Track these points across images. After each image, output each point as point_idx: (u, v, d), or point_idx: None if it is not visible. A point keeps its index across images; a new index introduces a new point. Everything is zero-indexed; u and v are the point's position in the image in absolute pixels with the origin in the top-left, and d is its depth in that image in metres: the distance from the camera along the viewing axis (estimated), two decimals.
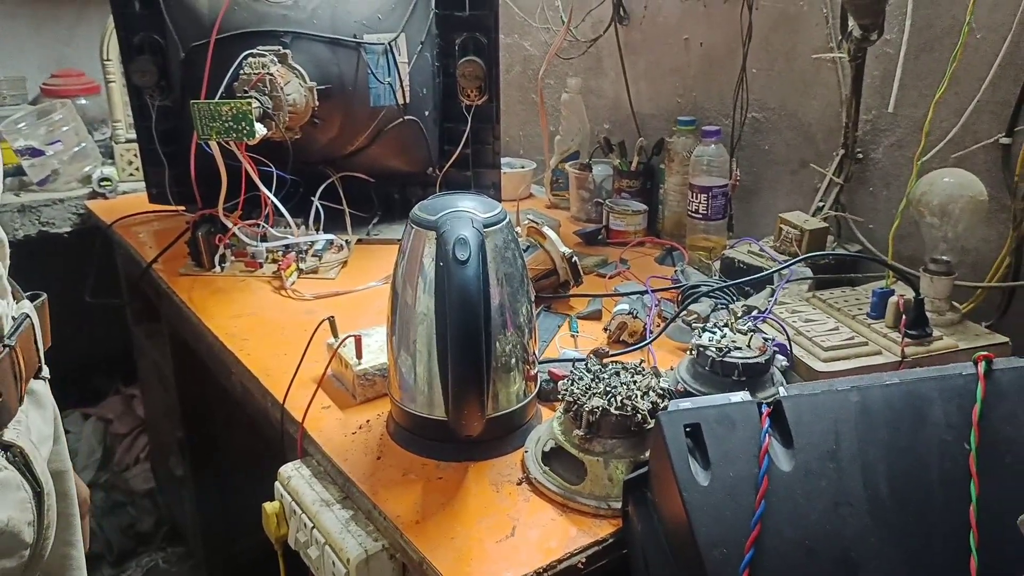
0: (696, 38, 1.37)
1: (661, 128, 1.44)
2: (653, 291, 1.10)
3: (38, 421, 0.63)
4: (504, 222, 0.77)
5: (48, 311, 0.69)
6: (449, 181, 1.40)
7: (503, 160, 1.53)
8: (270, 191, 1.22)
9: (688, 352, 0.83)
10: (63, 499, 0.67)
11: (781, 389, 0.57)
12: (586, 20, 1.52)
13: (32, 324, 0.63)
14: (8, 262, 0.60)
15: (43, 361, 0.65)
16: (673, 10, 1.39)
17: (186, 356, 1.32)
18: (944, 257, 0.92)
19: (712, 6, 1.32)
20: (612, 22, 1.46)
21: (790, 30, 1.22)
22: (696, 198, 1.25)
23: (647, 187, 1.39)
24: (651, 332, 0.99)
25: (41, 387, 0.66)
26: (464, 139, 1.38)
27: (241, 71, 1.12)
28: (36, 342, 0.64)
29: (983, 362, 0.57)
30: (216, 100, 1.09)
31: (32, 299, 0.66)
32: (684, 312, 1.01)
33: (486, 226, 0.75)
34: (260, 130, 1.09)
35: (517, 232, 1.10)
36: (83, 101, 1.76)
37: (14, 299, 0.63)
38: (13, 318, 0.61)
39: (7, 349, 0.57)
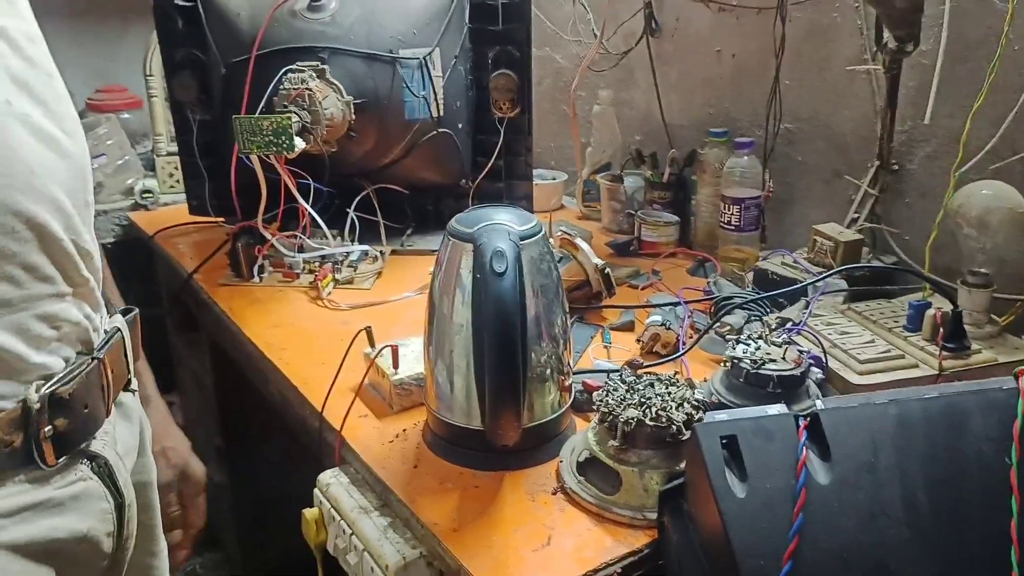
0: (728, 49, 1.37)
1: (693, 139, 1.44)
2: (686, 302, 1.10)
3: (125, 433, 0.65)
4: (539, 235, 0.78)
5: (139, 325, 0.71)
6: (482, 193, 1.42)
7: (535, 171, 1.54)
8: (307, 203, 1.25)
9: (722, 364, 0.83)
10: (145, 510, 0.69)
11: (818, 402, 0.57)
12: (617, 32, 1.53)
13: (123, 338, 0.65)
14: (101, 276, 0.62)
15: (132, 374, 0.67)
16: (705, 22, 1.40)
17: (225, 365, 1.35)
18: (982, 269, 0.92)
19: (744, 17, 1.33)
20: (644, 34, 1.47)
21: (823, 41, 1.22)
22: (729, 209, 1.25)
23: (679, 198, 1.39)
24: (684, 344, 1.00)
25: (129, 399, 0.68)
26: (497, 151, 1.39)
27: (281, 86, 1.15)
28: (126, 355, 0.66)
29: None
30: (257, 115, 1.12)
31: (124, 313, 0.68)
32: (717, 324, 1.01)
33: (522, 238, 0.76)
34: (299, 144, 1.11)
35: (550, 243, 1.11)
36: (126, 115, 1.81)
37: (107, 313, 0.65)
38: (105, 331, 0.63)
39: (96, 362, 0.59)
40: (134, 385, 0.68)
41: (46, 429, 0.53)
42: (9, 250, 0.50)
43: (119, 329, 0.64)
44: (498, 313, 0.71)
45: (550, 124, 1.78)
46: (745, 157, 1.24)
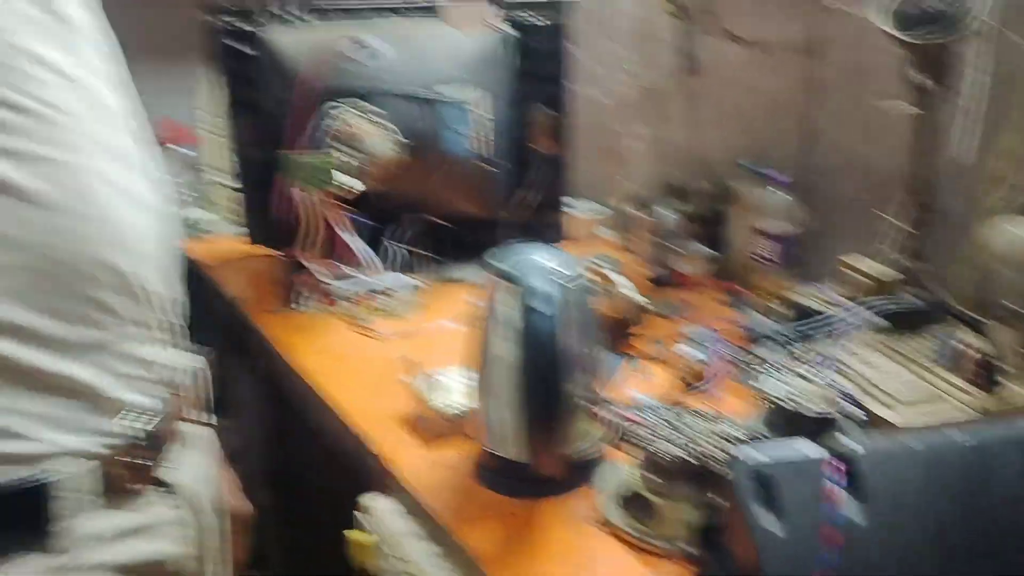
0: (763, 85, 1.40)
1: (726, 172, 1.46)
2: (718, 334, 1.12)
3: (203, 464, 0.70)
4: (578, 274, 0.82)
5: (214, 362, 0.76)
6: (519, 224, 1.46)
7: (571, 202, 1.58)
8: (349, 234, 1.29)
9: (757, 399, 0.85)
10: (222, 537, 0.73)
11: (853, 442, 0.59)
12: (652, 66, 1.57)
13: (201, 374, 0.70)
14: (185, 313, 0.67)
15: (210, 409, 0.72)
16: (739, 57, 1.43)
17: (272, 391, 1.39)
18: (1016, 306, 0.92)
19: (778, 54, 1.35)
20: (680, 70, 1.50)
21: (857, 77, 1.24)
22: (761, 242, 1.27)
23: (713, 231, 1.41)
24: (717, 376, 1.01)
25: (208, 433, 0.73)
26: (535, 184, 1.43)
27: (327, 125, 1.20)
28: (204, 391, 0.71)
29: None
30: (304, 153, 1.17)
31: (201, 351, 0.73)
32: (750, 357, 1.03)
33: (561, 278, 0.79)
34: (342, 180, 1.16)
35: (585, 279, 1.14)
36: (183, 149, 1.88)
37: (184, 350, 0.70)
38: (184, 369, 0.68)
39: (177, 397, 0.64)
40: (212, 419, 0.73)
41: (136, 461, 0.57)
42: (101, 297, 0.54)
43: (197, 368, 0.68)
44: (539, 350, 0.75)
45: (586, 156, 1.81)
46: (778, 191, 1.26)
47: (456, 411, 0.92)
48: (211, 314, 1.67)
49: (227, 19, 1.39)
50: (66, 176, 0.51)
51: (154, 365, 0.61)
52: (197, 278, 1.59)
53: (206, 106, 1.81)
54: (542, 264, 0.80)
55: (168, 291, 0.61)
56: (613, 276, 1.15)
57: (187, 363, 0.69)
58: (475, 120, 1.35)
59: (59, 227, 0.51)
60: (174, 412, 0.63)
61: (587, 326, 0.82)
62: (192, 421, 0.67)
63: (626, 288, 1.14)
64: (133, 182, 0.59)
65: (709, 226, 1.42)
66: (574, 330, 0.80)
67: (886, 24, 1.01)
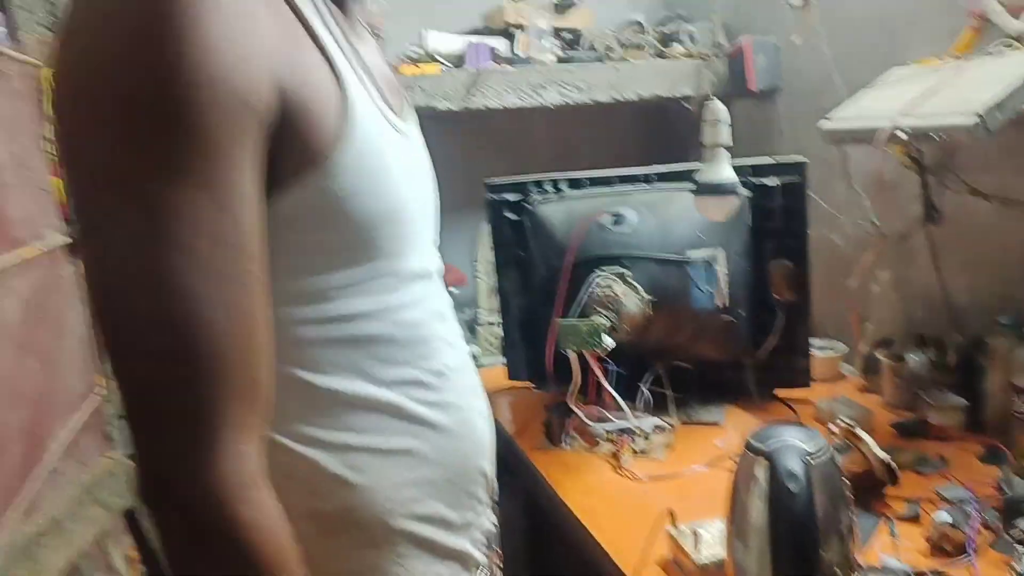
0: (1015, 238, 1.40)
1: (978, 322, 1.46)
2: (977, 497, 1.13)
3: None
4: (826, 453, 0.92)
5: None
6: (764, 367, 1.57)
7: (815, 342, 1.65)
8: (608, 381, 1.48)
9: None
10: None
11: None
12: (893, 213, 1.62)
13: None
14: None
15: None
16: (984, 208, 1.45)
17: (540, 521, 1.58)
18: None
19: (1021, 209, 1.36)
20: (923, 221, 1.55)
21: None
22: (1022, 400, 1.26)
23: (967, 381, 1.41)
24: (974, 543, 1.03)
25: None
26: (777, 331, 1.54)
27: (593, 293, 1.41)
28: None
29: None
30: (576, 319, 1.38)
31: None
32: (1010, 526, 1.04)
33: (810, 454, 0.90)
34: (608, 343, 1.35)
35: (832, 430, 1.22)
36: (454, 290, 2.23)
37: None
38: (494, 524, 0.87)
39: (494, 553, 0.84)
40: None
41: None
42: (476, 491, 0.77)
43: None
44: (791, 523, 0.86)
45: (828, 296, 1.87)
46: None
47: (718, 567, 1.04)
48: None
49: (502, 190, 1.69)
50: (458, 413, 0.75)
51: (492, 531, 0.82)
52: None
53: (482, 256, 2.14)
54: (792, 442, 0.92)
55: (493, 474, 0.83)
56: (861, 434, 1.21)
57: (493, 517, 0.89)
58: (718, 276, 1.50)
59: (458, 449, 0.74)
60: (493, 563, 0.83)
61: (836, 496, 0.91)
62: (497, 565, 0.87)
63: (875, 446, 1.20)
64: (486, 406, 0.83)
65: (963, 376, 1.42)
66: (823, 499, 0.90)
67: None
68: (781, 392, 1.62)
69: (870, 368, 1.64)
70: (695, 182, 1.34)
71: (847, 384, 1.70)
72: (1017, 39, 1.29)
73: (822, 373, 1.69)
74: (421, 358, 0.72)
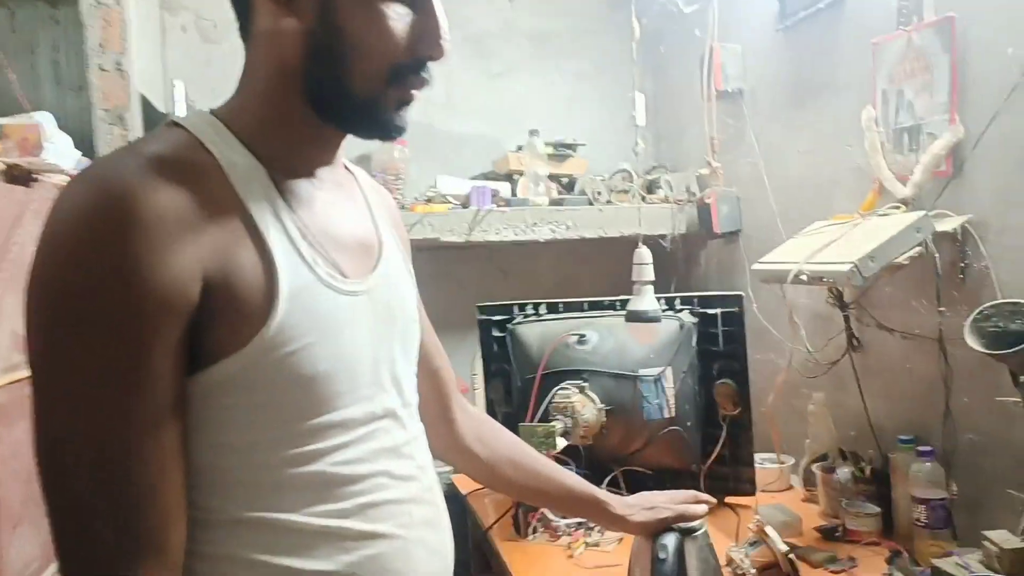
0: (915, 366, 1.62)
1: (891, 440, 1.66)
2: None
3: None
4: (702, 533, 1.13)
5: None
6: (711, 474, 1.77)
7: (762, 455, 1.86)
8: None
9: None
10: None
11: None
12: (826, 341, 1.85)
13: None
14: None
15: None
16: (896, 343, 1.67)
17: None
18: None
19: (922, 343, 1.58)
20: (847, 350, 1.78)
21: (981, 370, 1.43)
22: (917, 508, 1.44)
23: (882, 492, 1.60)
24: None
25: None
26: (721, 442, 1.75)
27: (552, 401, 1.66)
28: None
29: None
30: (535, 423, 1.63)
31: None
32: None
33: (684, 532, 1.12)
34: (561, 443, 1.59)
35: (749, 528, 1.42)
36: None
37: None
38: None
39: None
40: None
41: None
42: None
43: None
44: None
45: (780, 414, 2.08)
46: (927, 463, 1.45)
47: None
48: (468, 537, 2.13)
49: (491, 311, 1.98)
50: (392, 544, 0.77)
51: None
52: (460, 505, 2.07)
53: (478, 368, 2.39)
54: (675, 526, 1.13)
55: None
56: (769, 531, 1.41)
57: None
58: (666, 391, 1.74)
59: None
60: None
61: (707, 568, 1.12)
62: None
63: (779, 542, 1.39)
64: (440, 538, 0.87)
65: (879, 487, 1.61)
66: (696, 567, 1.11)
67: (976, 345, 1.26)
68: (730, 499, 1.81)
69: (809, 480, 1.82)
70: (626, 311, 1.61)
71: (793, 494, 1.88)
72: (903, 202, 1.56)
73: (773, 484, 1.89)
74: (358, 494, 0.76)
